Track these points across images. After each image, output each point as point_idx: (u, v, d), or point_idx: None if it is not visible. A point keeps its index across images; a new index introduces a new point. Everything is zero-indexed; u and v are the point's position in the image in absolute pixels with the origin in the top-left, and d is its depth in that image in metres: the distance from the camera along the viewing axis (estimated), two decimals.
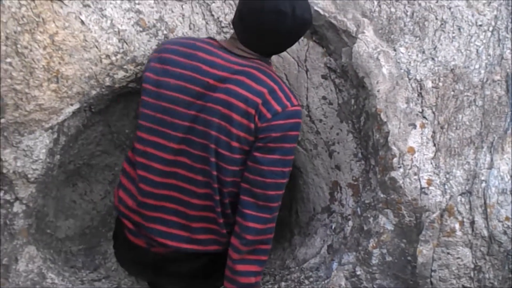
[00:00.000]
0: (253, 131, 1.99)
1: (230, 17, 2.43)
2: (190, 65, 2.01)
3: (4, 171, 2.19)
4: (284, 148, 2.02)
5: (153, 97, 2.03)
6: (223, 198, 2.08)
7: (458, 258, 2.17)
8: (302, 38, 2.56)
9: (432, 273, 2.20)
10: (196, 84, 2.00)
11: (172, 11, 2.44)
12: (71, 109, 2.27)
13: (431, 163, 2.23)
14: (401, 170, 2.24)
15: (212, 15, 2.43)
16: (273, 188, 2.04)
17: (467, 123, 2.25)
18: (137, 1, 2.32)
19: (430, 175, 2.22)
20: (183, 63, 2.02)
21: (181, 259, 2.23)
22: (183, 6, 2.44)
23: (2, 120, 2.13)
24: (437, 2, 2.35)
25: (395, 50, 2.33)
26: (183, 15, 2.46)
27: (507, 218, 2.16)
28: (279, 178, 2.04)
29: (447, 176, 2.21)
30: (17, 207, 2.26)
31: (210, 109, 1.99)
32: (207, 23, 2.44)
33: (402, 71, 2.31)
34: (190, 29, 2.42)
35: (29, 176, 2.24)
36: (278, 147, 2.01)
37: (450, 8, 2.34)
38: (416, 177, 2.22)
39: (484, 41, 2.31)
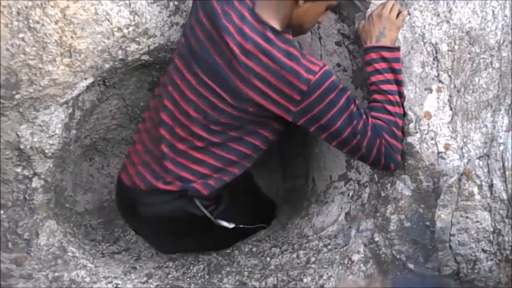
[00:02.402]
0: None
1: None
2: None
3: (22, 146, 2.21)
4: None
5: None
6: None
7: (477, 221, 2.16)
8: None
9: (451, 238, 2.19)
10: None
11: None
12: (85, 83, 2.28)
13: (448, 127, 2.21)
14: (418, 135, 2.22)
15: None
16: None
17: (484, 85, 2.22)
18: None
19: (447, 139, 2.20)
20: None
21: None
22: None
23: (17, 96, 2.14)
24: None
25: (409, 13, 2.30)
26: None
27: None
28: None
29: (465, 140, 2.19)
30: (35, 182, 2.28)
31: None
32: None
33: (417, 35, 2.28)
34: None
35: (46, 151, 2.25)
36: None
37: None
38: (433, 141, 2.21)
39: (500, 1, 2.27)
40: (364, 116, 2.14)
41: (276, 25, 2.10)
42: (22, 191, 2.26)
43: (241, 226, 2.51)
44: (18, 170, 2.24)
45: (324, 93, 2.06)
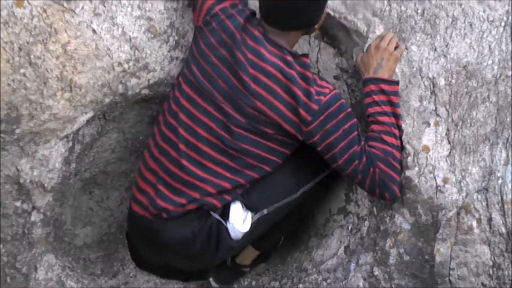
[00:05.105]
0: None
1: None
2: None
3: (21, 181, 2.21)
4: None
5: None
6: None
7: (476, 255, 2.15)
8: (313, 39, 2.56)
9: (451, 272, 2.19)
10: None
11: (183, 17, 2.46)
12: (85, 117, 2.29)
13: (446, 161, 2.22)
14: (416, 169, 2.23)
15: None
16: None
17: (482, 119, 2.23)
18: (147, 8, 2.34)
19: (445, 173, 2.21)
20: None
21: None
22: None
23: (18, 131, 2.15)
24: None
25: (406, 48, 2.33)
26: None
27: None
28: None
29: (463, 173, 2.20)
30: (34, 216, 2.28)
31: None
32: None
33: (415, 69, 2.31)
34: None
35: (46, 185, 2.26)
36: None
37: (461, 5, 2.33)
38: (431, 175, 2.21)
39: (496, 36, 2.30)
40: (362, 143, 2.18)
41: (290, 49, 2.19)
42: (21, 225, 2.25)
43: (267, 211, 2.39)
44: (18, 204, 2.24)
45: (333, 114, 2.14)
